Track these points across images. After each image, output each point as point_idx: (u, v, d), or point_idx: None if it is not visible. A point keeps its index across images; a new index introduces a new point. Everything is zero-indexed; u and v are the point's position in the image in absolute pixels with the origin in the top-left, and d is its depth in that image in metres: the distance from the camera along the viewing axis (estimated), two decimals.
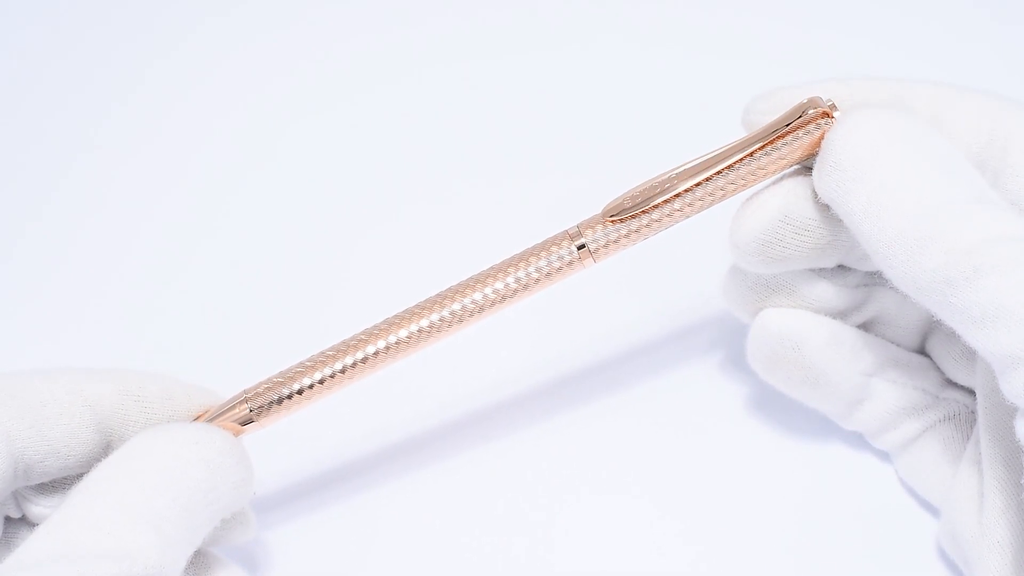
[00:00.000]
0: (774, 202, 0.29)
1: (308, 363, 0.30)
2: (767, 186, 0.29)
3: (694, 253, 0.37)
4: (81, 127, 0.47)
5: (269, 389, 0.30)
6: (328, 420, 0.35)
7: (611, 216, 0.29)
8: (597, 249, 0.29)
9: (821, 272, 0.31)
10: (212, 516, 0.27)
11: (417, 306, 0.30)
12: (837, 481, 0.34)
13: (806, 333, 0.30)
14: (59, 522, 0.25)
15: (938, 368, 0.32)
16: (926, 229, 0.25)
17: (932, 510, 0.32)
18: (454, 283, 0.30)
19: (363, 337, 0.30)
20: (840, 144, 0.27)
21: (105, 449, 0.29)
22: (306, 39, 0.50)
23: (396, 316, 0.30)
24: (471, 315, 0.30)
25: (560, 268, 0.29)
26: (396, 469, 0.36)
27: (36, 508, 0.29)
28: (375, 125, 0.46)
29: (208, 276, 0.42)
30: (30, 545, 0.24)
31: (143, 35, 0.50)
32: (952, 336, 0.31)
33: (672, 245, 0.33)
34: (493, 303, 0.30)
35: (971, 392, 0.32)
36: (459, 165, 0.44)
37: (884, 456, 0.33)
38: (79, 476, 0.29)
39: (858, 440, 0.34)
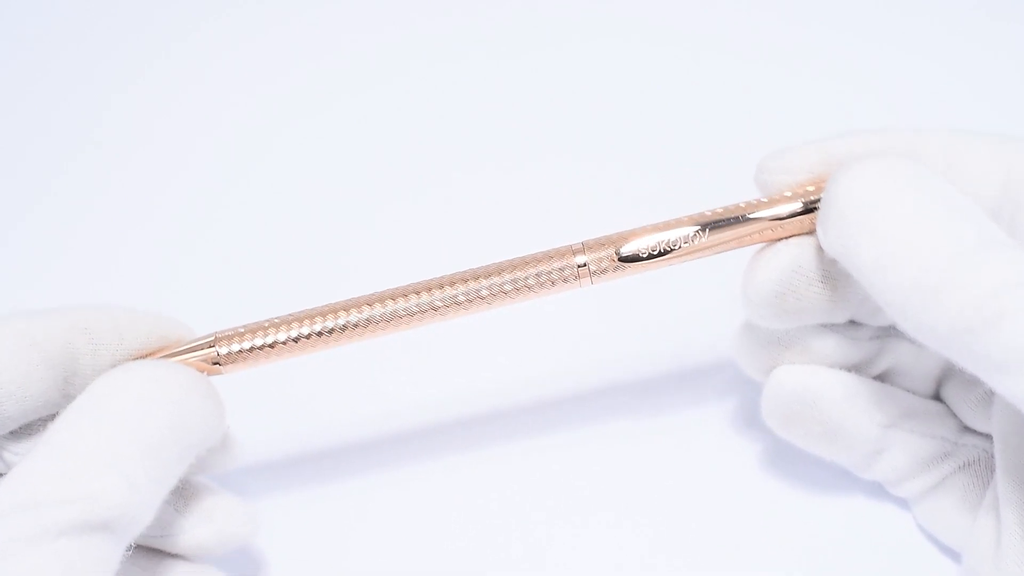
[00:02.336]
0: (787, 251, 0.28)
1: (286, 318, 0.30)
2: (776, 240, 0.29)
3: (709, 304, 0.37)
4: (84, 121, 0.47)
5: (240, 336, 0.29)
6: (329, 414, 0.36)
7: (622, 259, 0.29)
8: (597, 272, 0.29)
9: (833, 327, 0.30)
10: (183, 453, 0.27)
11: (406, 286, 0.30)
12: (857, 530, 0.33)
13: (822, 388, 0.30)
14: (21, 473, 0.25)
15: (954, 415, 0.32)
16: (941, 276, 0.24)
17: (954, 555, 0.32)
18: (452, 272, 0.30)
19: (346, 305, 0.30)
20: (843, 195, 0.26)
21: (63, 385, 0.29)
22: (323, 30, 0.50)
23: (383, 292, 0.30)
24: (459, 306, 0.29)
25: (556, 281, 0.29)
26: (397, 464, 0.36)
27: (11, 457, 0.29)
28: (387, 118, 0.47)
29: (214, 262, 0.42)
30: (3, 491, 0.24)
31: (169, 11, 0.51)
32: (967, 384, 0.31)
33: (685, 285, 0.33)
34: (483, 299, 0.29)
35: (989, 437, 0.31)
36: (471, 159, 0.45)
37: (904, 504, 0.33)
38: (50, 418, 0.29)
39: (877, 489, 0.33)
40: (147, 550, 0.30)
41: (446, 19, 0.50)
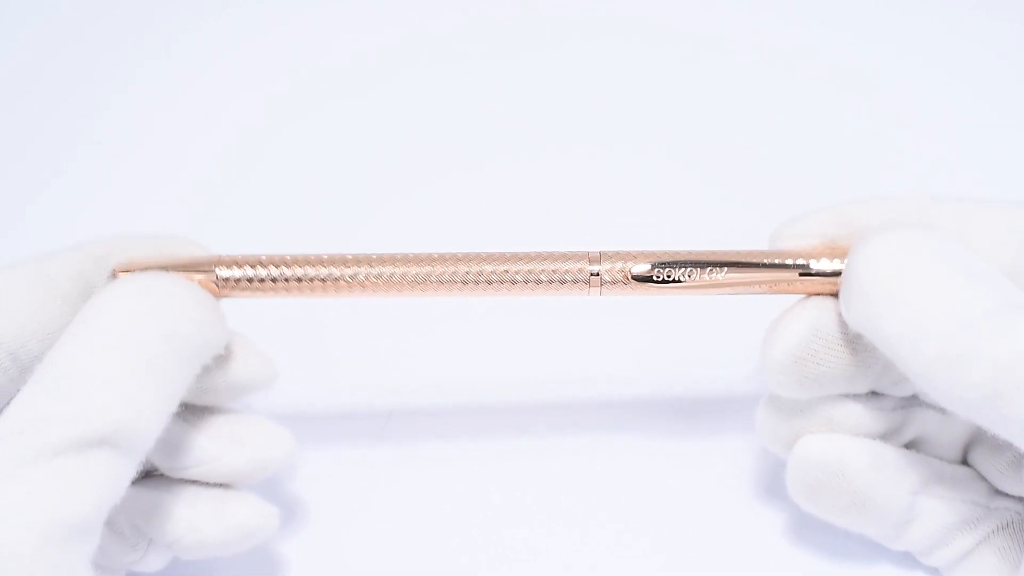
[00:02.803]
0: (805, 315, 0.28)
1: (295, 257, 0.29)
2: (794, 304, 0.29)
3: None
4: (81, 120, 0.47)
5: (242, 263, 0.29)
6: (347, 383, 0.36)
7: (634, 277, 0.29)
8: (608, 283, 0.29)
9: (855, 398, 0.30)
10: (184, 364, 0.27)
11: (417, 255, 0.29)
12: None
13: (848, 456, 0.29)
14: (17, 400, 0.25)
15: (984, 478, 0.31)
16: (966, 344, 0.24)
17: None
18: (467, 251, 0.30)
19: (355, 259, 0.29)
20: (863, 271, 0.27)
21: None
22: (323, 31, 0.50)
23: (395, 254, 0.30)
24: (464, 284, 0.29)
25: (566, 283, 0.29)
26: (398, 445, 0.36)
27: None
28: (386, 118, 0.47)
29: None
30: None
31: (169, 11, 0.51)
32: (996, 448, 0.31)
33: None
34: (489, 284, 0.29)
35: (1022, 500, 0.31)
36: (470, 159, 0.45)
37: (935, 572, 0.32)
38: None
39: (907, 559, 0.32)
40: (186, 483, 0.30)
41: (446, 19, 0.50)
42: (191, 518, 0.30)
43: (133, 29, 0.50)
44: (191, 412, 0.30)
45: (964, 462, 0.32)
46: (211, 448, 0.30)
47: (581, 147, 0.45)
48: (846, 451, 0.29)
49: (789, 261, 0.29)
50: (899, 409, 0.30)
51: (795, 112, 0.46)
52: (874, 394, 0.30)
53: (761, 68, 0.47)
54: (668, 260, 0.29)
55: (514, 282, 0.29)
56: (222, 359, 0.29)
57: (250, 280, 0.29)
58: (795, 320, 0.28)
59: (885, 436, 0.30)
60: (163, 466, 0.30)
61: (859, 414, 0.30)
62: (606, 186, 0.44)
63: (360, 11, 0.50)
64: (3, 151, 0.46)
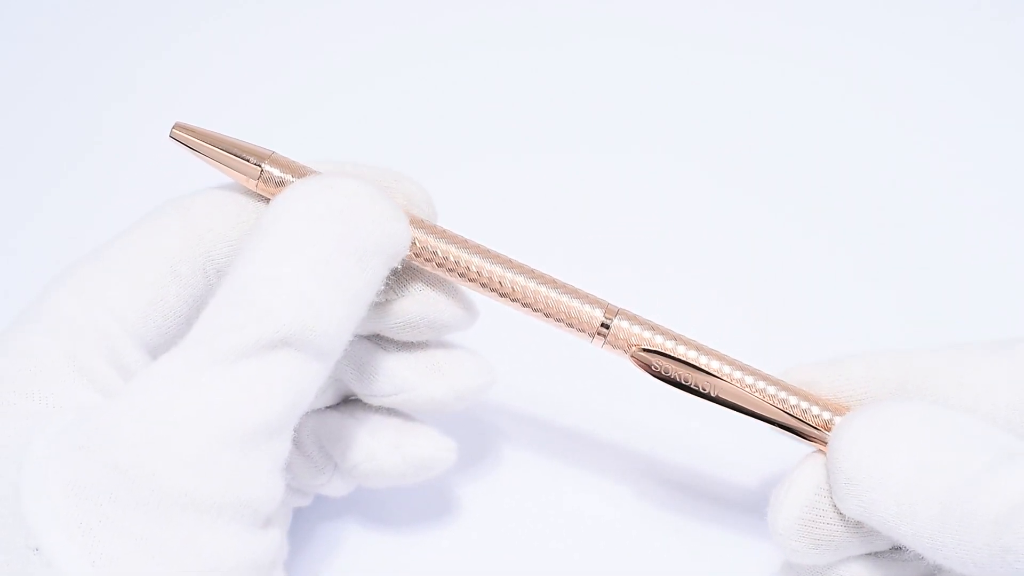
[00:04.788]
0: (806, 474, 0.28)
1: None
2: (796, 465, 0.28)
3: None
4: (81, 123, 0.47)
5: (294, 169, 0.29)
6: None
7: (641, 354, 0.28)
8: (612, 339, 0.28)
9: (877, 556, 0.29)
10: (364, 263, 0.26)
11: (444, 230, 0.29)
12: None
13: None
14: (201, 314, 0.25)
15: None
16: (964, 506, 0.24)
17: None
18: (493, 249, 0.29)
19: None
20: (846, 459, 0.26)
21: None
22: (323, 30, 0.50)
23: (425, 221, 0.29)
24: (472, 279, 0.29)
25: (572, 318, 0.28)
26: None
27: None
28: (386, 118, 0.46)
29: None
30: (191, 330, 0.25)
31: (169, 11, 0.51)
32: None
33: None
34: (497, 290, 0.29)
35: None
36: (470, 159, 0.45)
37: None
38: None
39: None
40: (373, 411, 0.31)
41: (446, 18, 0.50)
42: (371, 446, 0.30)
43: (133, 29, 0.50)
44: (391, 342, 0.30)
45: None
46: (411, 377, 0.30)
47: (588, 147, 0.45)
48: None
49: (793, 412, 0.28)
50: (923, 558, 0.29)
51: (793, 112, 0.46)
52: (896, 549, 0.29)
53: (759, 68, 0.47)
54: (674, 367, 0.28)
55: (525, 301, 0.29)
56: (420, 298, 0.29)
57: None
58: (795, 482, 0.28)
59: None
60: (361, 392, 0.30)
61: (885, 571, 0.28)
62: (614, 189, 0.43)
63: (360, 11, 0.50)
64: (3, 152, 0.46)
